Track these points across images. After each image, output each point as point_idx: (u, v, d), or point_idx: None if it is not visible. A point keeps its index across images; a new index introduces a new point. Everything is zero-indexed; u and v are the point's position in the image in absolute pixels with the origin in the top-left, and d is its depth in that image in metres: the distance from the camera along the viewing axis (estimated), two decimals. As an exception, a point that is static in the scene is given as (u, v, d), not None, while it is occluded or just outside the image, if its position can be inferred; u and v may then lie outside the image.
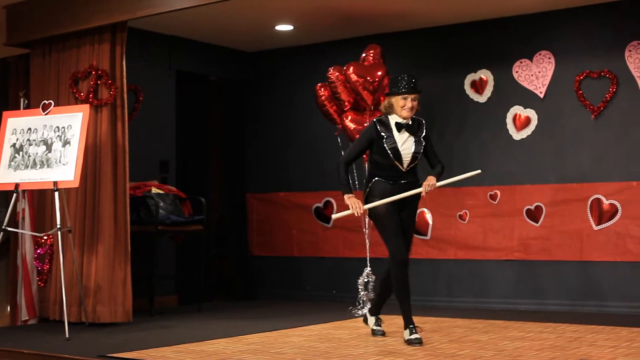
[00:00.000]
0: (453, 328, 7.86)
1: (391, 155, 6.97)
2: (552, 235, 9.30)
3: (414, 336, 6.83)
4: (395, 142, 6.97)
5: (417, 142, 7.04)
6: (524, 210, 9.43)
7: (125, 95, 8.61)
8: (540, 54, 9.49)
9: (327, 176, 10.60)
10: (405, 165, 7.01)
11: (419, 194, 7.05)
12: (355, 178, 9.33)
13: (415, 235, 9.89)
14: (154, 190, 9.54)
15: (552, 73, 9.41)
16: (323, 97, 9.15)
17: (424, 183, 6.99)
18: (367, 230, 9.18)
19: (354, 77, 8.86)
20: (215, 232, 11.11)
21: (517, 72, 9.58)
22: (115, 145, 8.50)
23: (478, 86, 9.83)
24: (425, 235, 10.02)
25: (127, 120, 8.61)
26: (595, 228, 9.11)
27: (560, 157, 9.31)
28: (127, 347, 6.89)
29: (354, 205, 6.97)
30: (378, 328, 7.46)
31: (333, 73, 9.02)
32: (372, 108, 8.97)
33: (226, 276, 11.23)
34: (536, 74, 9.49)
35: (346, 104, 9.06)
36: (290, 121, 11.07)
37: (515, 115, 9.60)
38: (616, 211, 9.01)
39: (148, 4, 8.38)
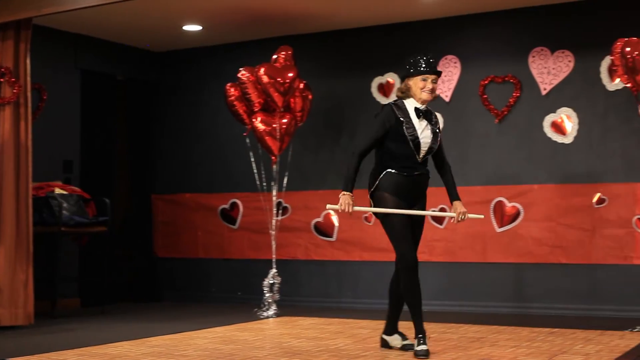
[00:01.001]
0: (358, 329, 7.91)
1: (411, 144, 6.38)
2: (455, 237, 9.43)
3: (420, 347, 6.25)
4: (415, 130, 6.39)
5: (435, 134, 6.47)
6: (429, 212, 9.54)
7: (29, 94, 8.45)
8: (446, 58, 9.61)
9: (234, 177, 10.59)
10: (421, 156, 6.44)
11: (423, 190, 6.57)
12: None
13: (320, 237, 9.97)
14: (57, 190, 9.39)
15: (457, 77, 9.54)
16: (233, 97, 9.10)
17: (458, 211, 6.50)
18: (273, 232, 9.17)
19: (265, 79, 8.82)
20: (119, 233, 10.97)
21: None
22: (18, 144, 8.34)
23: (385, 89, 9.91)
24: (331, 236, 10.06)
25: (30, 119, 8.45)
26: (498, 230, 9.27)
27: (464, 161, 9.43)
28: (28, 350, 6.75)
29: (344, 204, 6.31)
30: (407, 342, 6.59)
31: (244, 74, 8.97)
32: (282, 110, 8.96)
33: (130, 278, 11.11)
34: (442, 77, 9.59)
35: (256, 104, 9.02)
36: (197, 122, 11.01)
37: (421, 118, 9.69)
38: (518, 213, 9.18)
39: (54, 1, 8.23)
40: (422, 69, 6.44)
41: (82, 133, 10.40)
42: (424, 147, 6.42)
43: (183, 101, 11.13)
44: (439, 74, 6.50)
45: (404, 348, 6.56)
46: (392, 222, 6.40)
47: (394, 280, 6.62)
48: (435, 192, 9.51)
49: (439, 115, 8.90)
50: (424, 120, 6.45)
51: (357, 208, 6.43)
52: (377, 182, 6.46)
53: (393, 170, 6.41)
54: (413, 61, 6.49)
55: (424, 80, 6.44)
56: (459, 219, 6.53)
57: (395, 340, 6.66)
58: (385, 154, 6.47)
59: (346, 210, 6.34)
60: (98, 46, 10.56)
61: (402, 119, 6.41)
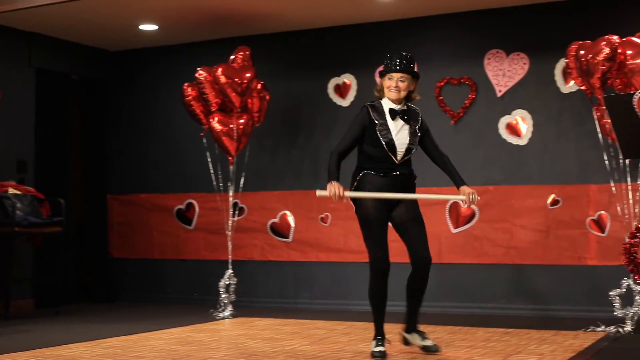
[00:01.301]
0: (314, 330, 7.91)
1: (385, 146, 6.32)
2: (411, 238, 9.44)
3: (378, 349, 6.35)
4: (389, 132, 6.33)
5: (412, 134, 6.40)
6: (385, 213, 9.54)
7: (-18, 93, 8.37)
8: (402, 60, 9.63)
9: (190, 178, 10.55)
10: (399, 158, 6.37)
11: (406, 191, 6.43)
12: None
13: (276, 238, 9.95)
14: (11, 190, 9.29)
15: (413, 79, 9.56)
16: (190, 97, 9.06)
17: (467, 193, 6.40)
18: (229, 233, 9.15)
19: (222, 79, 8.80)
20: (74, 233, 10.88)
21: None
22: (-29, 143, 8.26)
23: (342, 90, 9.92)
24: (287, 237, 10.06)
25: (-17, 119, 8.37)
26: (453, 231, 9.31)
27: (420, 162, 9.37)
28: (-19, 351, 6.70)
29: (333, 189, 6.19)
30: (427, 344, 6.43)
31: (202, 74, 8.94)
32: (239, 110, 8.94)
33: (85, 279, 11.02)
34: (398, 79, 9.63)
35: (213, 104, 9.00)
36: (153, 122, 10.95)
37: (378, 119, 9.71)
38: (473, 215, 9.24)
39: (7, -1, 8.18)
40: (387, 68, 6.42)
41: (37, 133, 10.29)
42: (400, 149, 6.35)
43: (139, 101, 11.07)
44: (406, 72, 6.39)
45: (425, 349, 6.41)
46: (369, 225, 6.37)
47: (409, 278, 6.53)
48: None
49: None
50: (400, 120, 6.39)
51: (347, 193, 6.31)
52: (356, 182, 6.41)
53: (371, 171, 6.38)
54: (385, 60, 6.46)
55: (390, 79, 6.39)
56: (470, 200, 6.41)
57: (414, 338, 6.51)
58: (363, 155, 6.44)
59: (337, 193, 6.21)
60: (53, 45, 10.46)
61: (376, 120, 6.36)
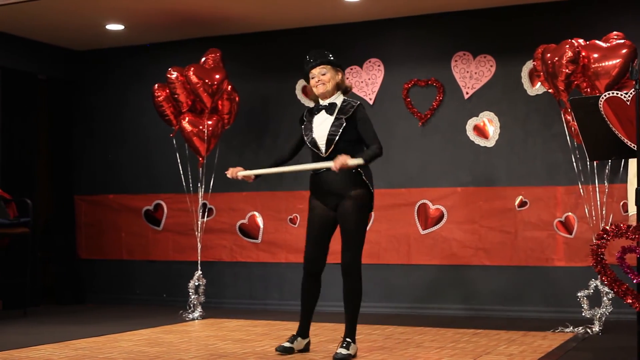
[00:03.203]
0: (284, 331, 7.93)
1: (309, 144, 6.47)
2: (380, 239, 9.49)
3: (283, 344, 6.49)
4: (310, 131, 6.47)
5: (335, 124, 6.37)
6: (354, 214, 9.56)
7: (-53, 93, 8.30)
8: (370, 62, 9.68)
9: (157, 178, 10.52)
10: (324, 151, 6.39)
11: (338, 188, 6.36)
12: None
13: (245, 239, 9.94)
14: (-22, 191, 9.24)
15: (381, 80, 9.61)
16: (161, 98, 9.03)
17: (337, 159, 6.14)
18: (199, 234, 9.14)
19: (194, 79, 8.79)
20: (41, 234, 10.81)
21: (347, 78, 9.73)
22: (-63, 144, 8.19)
23: (309, 91, 9.94)
24: (256, 238, 10.06)
25: (-51, 119, 8.30)
26: (422, 232, 9.36)
27: (388, 163, 9.48)
28: (-51, 354, 6.65)
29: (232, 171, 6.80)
30: (339, 352, 6.34)
31: (173, 74, 8.91)
32: (209, 111, 8.93)
33: (53, 280, 10.96)
34: (366, 80, 9.67)
35: (184, 105, 8.98)
36: (122, 122, 10.90)
37: (346, 121, 9.74)
38: (442, 216, 9.28)
39: (-28, -2, 8.11)
40: (305, 69, 6.54)
41: (3, 133, 10.21)
42: (321, 142, 6.40)
43: (107, 101, 11.01)
44: (322, 63, 6.45)
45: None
46: (309, 223, 6.66)
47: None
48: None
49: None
50: (325, 113, 6.45)
51: (241, 173, 6.80)
52: None
53: (312, 171, 6.56)
54: (303, 67, 6.56)
55: (313, 77, 6.48)
56: (337, 164, 6.09)
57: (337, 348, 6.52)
58: None
59: (228, 174, 6.80)
60: (19, 44, 10.38)
61: (305, 119, 6.58)
